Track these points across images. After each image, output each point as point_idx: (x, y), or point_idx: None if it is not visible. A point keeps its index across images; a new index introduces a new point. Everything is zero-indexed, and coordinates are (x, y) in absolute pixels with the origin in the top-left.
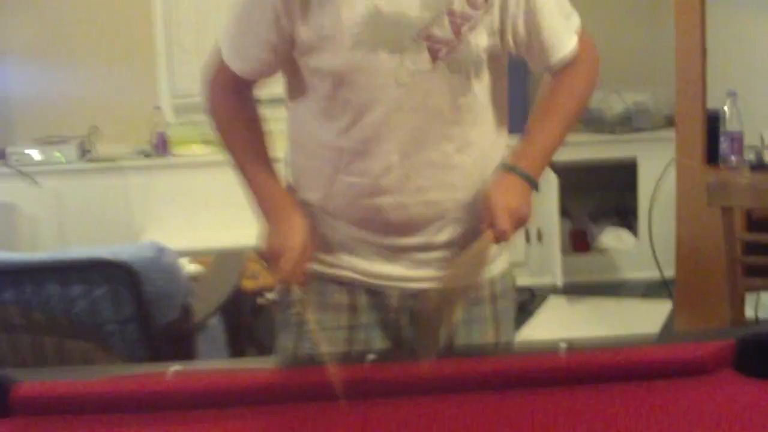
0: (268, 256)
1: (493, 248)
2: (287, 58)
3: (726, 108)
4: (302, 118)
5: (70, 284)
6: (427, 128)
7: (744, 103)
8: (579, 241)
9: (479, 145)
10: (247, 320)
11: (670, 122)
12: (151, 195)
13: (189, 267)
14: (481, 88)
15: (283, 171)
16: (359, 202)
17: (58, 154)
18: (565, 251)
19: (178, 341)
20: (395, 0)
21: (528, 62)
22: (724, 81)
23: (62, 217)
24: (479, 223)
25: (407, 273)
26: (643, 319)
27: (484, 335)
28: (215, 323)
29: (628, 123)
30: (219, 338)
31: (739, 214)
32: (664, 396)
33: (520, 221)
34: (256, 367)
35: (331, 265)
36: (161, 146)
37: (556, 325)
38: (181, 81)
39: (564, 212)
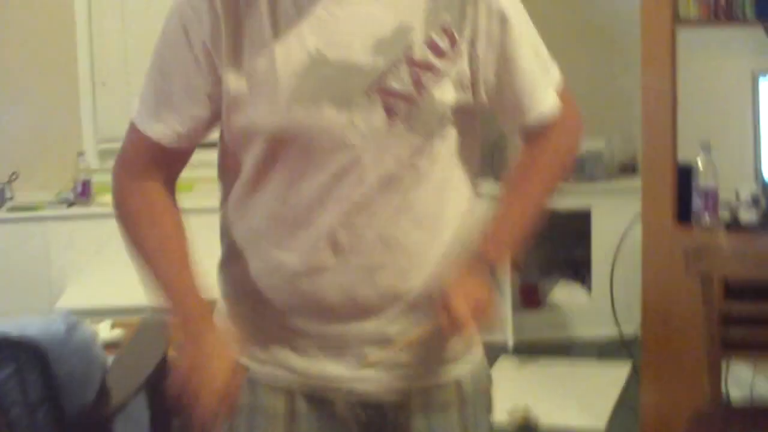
0: (180, 389)
1: (460, 341)
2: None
3: (699, 161)
4: (232, 173)
5: None
6: (380, 197)
7: (716, 155)
8: (529, 297)
9: (442, 218)
10: (172, 391)
11: (625, 170)
12: (73, 246)
13: (110, 333)
14: (447, 148)
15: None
16: (295, 282)
17: None
18: (515, 307)
19: (93, 427)
20: (343, 44)
21: (499, 120)
22: (696, 131)
23: None
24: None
25: (354, 373)
26: (601, 383)
27: None
28: (139, 398)
29: (581, 171)
30: (142, 417)
31: (718, 281)
32: None
33: (480, 307)
34: None
35: (264, 362)
36: (84, 194)
37: (508, 389)
38: (106, 124)
39: (513, 265)
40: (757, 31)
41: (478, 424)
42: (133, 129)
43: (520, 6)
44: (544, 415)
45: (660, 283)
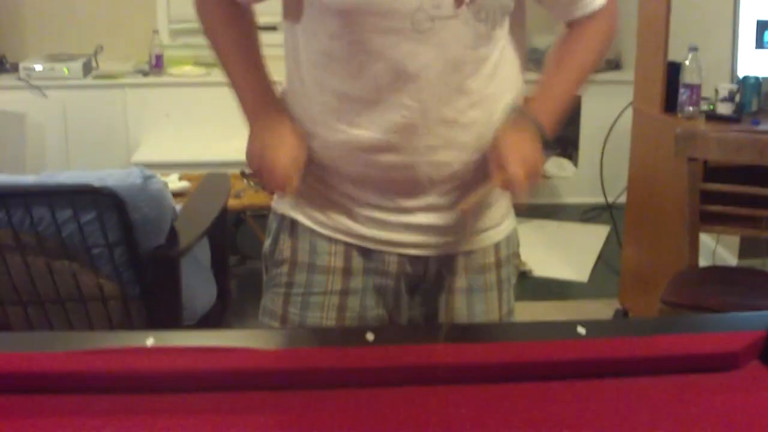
0: (256, 167)
1: (500, 210)
2: None
3: (687, 61)
4: (302, 49)
5: (59, 209)
6: (444, 81)
7: (701, 56)
8: None
9: (495, 100)
10: (229, 231)
11: (609, 65)
12: (147, 110)
13: (178, 184)
14: (503, 37)
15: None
16: (360, 158)
17: (65, 70)
18: None
19: (163, 265)
20: None
21: (550, 9)
22: (685, 36)
23: (67, 126)
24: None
25: (407, 238)
26: (583, 240)
27: (486, 305)
28: (203, 241)
29: None
30: (204, 257)
31: (700, 164)
32: (694, 393)
33: (532, 168)
34: (239, 347)
35: (324, 226)
36: (157, 66)
37: None
38: (177, 7)
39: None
40: None
41: (510, 282)
42: None
43: None
44: (535, 267)
45: (647, 161)
